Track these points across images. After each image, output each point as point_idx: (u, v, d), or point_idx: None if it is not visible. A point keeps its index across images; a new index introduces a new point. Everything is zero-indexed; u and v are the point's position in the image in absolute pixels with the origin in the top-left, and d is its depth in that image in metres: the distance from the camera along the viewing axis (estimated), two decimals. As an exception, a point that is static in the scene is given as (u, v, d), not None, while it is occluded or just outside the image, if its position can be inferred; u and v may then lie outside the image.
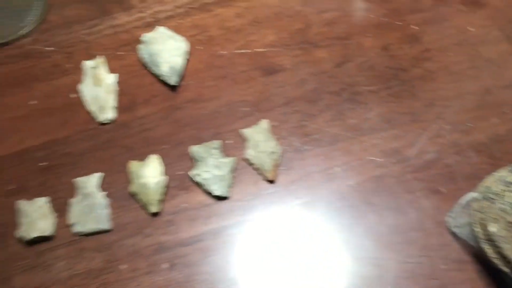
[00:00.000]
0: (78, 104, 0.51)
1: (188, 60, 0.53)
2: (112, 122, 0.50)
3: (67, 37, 0.56)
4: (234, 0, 0.58)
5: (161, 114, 0.50)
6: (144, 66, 0.53)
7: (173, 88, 0.51)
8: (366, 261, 0.42)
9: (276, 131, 0.48)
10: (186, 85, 0.52)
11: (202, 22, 0.56)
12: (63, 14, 0.58)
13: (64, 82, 0.52)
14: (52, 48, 0.55)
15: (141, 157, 0.47)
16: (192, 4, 0.58)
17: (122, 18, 0.57)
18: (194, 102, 0.51)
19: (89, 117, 0.50)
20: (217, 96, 0.51)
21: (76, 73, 0.53)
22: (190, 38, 0.55)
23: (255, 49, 0.54)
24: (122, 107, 0.51)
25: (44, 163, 0.47)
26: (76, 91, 0.51)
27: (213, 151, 0.47)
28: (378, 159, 0.47)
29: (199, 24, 0.56)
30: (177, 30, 0.55)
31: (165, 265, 0.43)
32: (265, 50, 0.54)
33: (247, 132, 0.48)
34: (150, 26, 0.56)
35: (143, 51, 0.53)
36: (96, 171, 0.47)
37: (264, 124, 0.48)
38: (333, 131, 0.48)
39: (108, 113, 0.49)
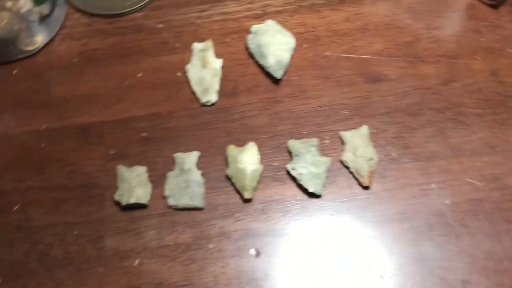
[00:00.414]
0: (183, 83, 0.52)
1: (292, 56, 0.54)
2: (214, 105, 0.51)
3: (177, 17, 0.58)
4: (344, 4, 0.58)
5: (261, 104, 0.51)
6: (250, 55, 0.54)
7: (276, 81, 0.52)
8: (455, 283, 0.41)
9: (374, 138, 0.48)
10: (289, 80, 0.52)
11: (310, 22, 0.57)
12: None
13: (171, 60, 0.54)
14: (163, 25, 0.57)
15: (239, 142, 0.48)
16: (302, 2, 0.58)
17: (232, 7, 0.58)
18: (295, 98, 0.51)
19: (192, 97, 0.51)
20: (319, 95, 0.51)
21: (184, 52, 0.54)
22: (297, 35, 0.55)
23: (360, 55, 0.54)
24: (224, 92, 0.52)
25: (145, 134, 0.49)
26: (182, 70, 0.53)
27: (312, 148, 0.47)
28: (477, 183, 0.46)
29: (307, 23, 0.57)
30: (285, 25, 0.56)
31: (252, 251, 0.43)
32: (370, 57, 0.54)
33: (347, 135, 0.48)
34: (258, 18, 0.57)
35: (251, 41, 0.54)
36: (195, 150, 0.48)
37: (365, 129, 0.48)
38: (433, 147, 0.48)
39: (211, 96, 0.51)
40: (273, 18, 0.57)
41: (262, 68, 0.53)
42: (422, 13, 0.57)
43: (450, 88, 0.51)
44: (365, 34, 0.56)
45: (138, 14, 0.58)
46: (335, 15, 0.57)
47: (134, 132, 0.49)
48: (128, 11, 0.58)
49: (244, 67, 0.53)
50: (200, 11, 0.58)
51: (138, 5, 0.58)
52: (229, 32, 0.56)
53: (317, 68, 0.53)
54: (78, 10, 0.58)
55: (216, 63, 0.53)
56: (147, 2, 0.58)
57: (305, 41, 0.55)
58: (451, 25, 0.56)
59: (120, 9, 0.58)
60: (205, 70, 0.52)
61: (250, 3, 0.58)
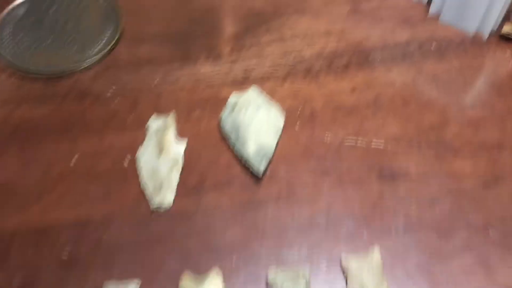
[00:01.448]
0: (130, 176, 0.39)
1: (280, 140, 0.40)
2: (168, 209, 0.37)
3: (134, 80, 0.44)
4: (349, 70, 0.45)
5: (234, 210, 0.37)
6: (224, 137, 0.40)
7: (256, 176, 0.38)
8: None
9: (389, 269, 0.34)
10: (274, 176, 0.39)
11: (305, 92, 0.44)
12: (135, 51, 0.46)
13: (119, 140, 0.40)
14: (114, 91, 0.44)
15: (199, 268, 0.34)
16: (297, 66, 0.45)
17: (207, 67, 0.45)
18: (281, 202, 0.37)
19: (140, 196, 0.38)
20: (314, 199, 0.38)
21: (137, 130, 0.41)
22: (287, 110, 0.42)
23: (371, 140, 0.40)
24: (185, 189, 0.38)
25: (68, 250, 0.35)
26: (132, 157, 0.39)
27: (301, 281, 0.33)
28: None
29: (301, 93, 0.43)
30: (273, 95, 0.43)
31: None
32: (384, 144, 0.40)
33: (351, 263, 0.34)
34: (239, 84, 0.44)
35: (227, 118, 0.41)
36: (134, 277, 0.34)
37: (376, 255, 0.34)
38: (473, 284, 0.34)
39: (165, 196, 0.37)
40: (258, 85, 0.44)
41: (238, 157, 0.39)
42: (451, 85, 0.44)
43: (495, 195, 0.38)
44: (377, 111, 0.42)
45: (85, 76, 0.45)
46: (338, 84, 0.44)
47: (54, 249, 0.35)
48: (70, 71, 0.44)
49: (214, 153, 0.40)
50: (164, 74, 0.45)
51: (87, 62, 0.45)
52: (200, 102, 0.43)
53: (312, 158, 0.40)
54: (7, 65, 0.45)
55: (178, 148, 0.39)
56: (98, 58, 0.45)
57: (297, 119, 0.42)
58: (491, 103, 0.43)
59: (60, 69, 0.44)
60: (161, 159, 0.38)
61: (231, 62, 0.45)
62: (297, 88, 0.44)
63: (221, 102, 0.43)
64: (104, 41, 0.46)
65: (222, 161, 0.39)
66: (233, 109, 0.41)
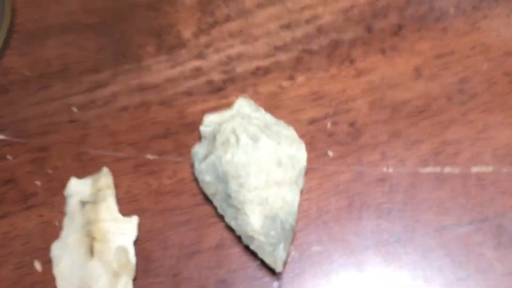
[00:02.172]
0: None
1: (303, 185, 0.23)
2: None
3: (36, 111, 0.26)
4: (407, 35, 0.26)
5: None
6: (206, 196, 0.23)
7: (270, 271, 0.21)
8: None
9: None
10: (302, 260, 0.21)
11: (336, 88, 0.25)
12: (34, 57, 0.27)
13: (21, 226, 0.22)
14: (1, 130, 0.25)
15: None
16: (313, 41, 0.27)
17: (157, 70, 0.27)
18: (329, 314, 0.20)
19: None
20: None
21: (46, 204, 0.23)
22: (308, 129, 0.24)
23: (469, 167, 0.23)
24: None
25: None
26: (43, 257, 0.21)
27: None
28: None
29: (329, 92, 0.25)
30: (276, 106, 0.25)
31: None
32: (493, 171, 0.23)
33: None
34: (215, 92, 0.26)
35: (204, 159, 0.22)
36: None
37: None
38: None
39: None
40: (249, 90, 0.25)
41: (236, 233, 0.21)
42: None
43: None
44: (470, 109, 0.24)
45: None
46: (391, 62, 0.26)
47: None
48: None
49: (192, 236, 0.22)
50: (87, 88, 0.26)
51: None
52: (151, 136, 0.25)
53: (369, 209, 0.22)
54: None
55: (122, 239, 0.21)
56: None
57: (329, 140, 0.24)
58: None
59: None
60: (93, 262, 0.21)
61: (199, 54, 0.27)
62: (319, 82, 0.26)
63: (190, 128, 0.25)
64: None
65: (207, 246, 0.22)
66: (212, 142, 0.23)
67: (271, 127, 0.23)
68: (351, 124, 0.24)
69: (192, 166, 0.23)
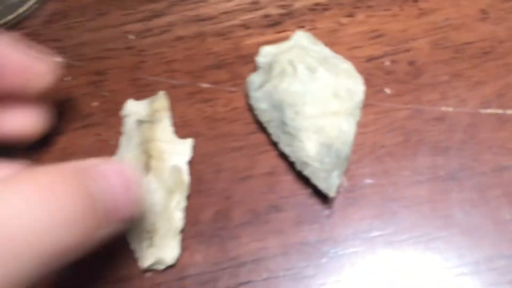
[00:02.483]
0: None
1: (359, 118, 0.22)
2: (171, 267, 0.20)
3: (93, 39, 0.26)
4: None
5: (293, 272, 0.20)
6: (260, 123, 0.23)
7: (324, 198, 0.21)
8: None
9: None
10: (355, 188, 0.21)
11: (396, 26, 0.25)
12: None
13: (78, 143, 0.23)
14: (59, 55, 0.26)
15: None
16: (370, -19, 0.26)
17: (213, 3, 0.26)
18: (379, 241, 0.20)
19: (123, 247, 0.21)
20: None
21: (105, 123, 0.23)
22: (366, 65, 0.24)
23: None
24: (199, 232, 0.21)
25: None
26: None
27: None
28: None
29: (389, 30, 0.25)
30: (335, 41, 0.24)
31: None
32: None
33: None
34: (272, 27, 0.25)
35: (260, 88, 0.22)
36: None
37: None
38: None
39: (164, 250, 0.20)
40: (307, 25, 0.25)
41: (289, 160, 0.21)
42: None
43: None
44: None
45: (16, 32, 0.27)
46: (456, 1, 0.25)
47: None
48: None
49: (245, 160, 0.22)
50: (143, 17, 0.26)
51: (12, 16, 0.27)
52: (207, 65, 0.25)
53: (424, 147, 0.22)
54: None
55: (177, 159, 0.22)
56: (22, 12, 0.27)
57: (387, 78, 0.23)
58: None
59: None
60: (150, 175, 0.21)
61: (254, -10, 0.27)
62: (379, 20, 0.25)
63: (245, 60, 0.25)
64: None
65: (260, 172, 0.22)
66: (268, 71, 0.23)
67: (329, 60, 0.23)
68: (411, 63, 0.24)
69: (246, 95, 0.23)
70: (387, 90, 0.23)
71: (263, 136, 0.23)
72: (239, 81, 0.24)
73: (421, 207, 0.21)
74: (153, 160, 0.21)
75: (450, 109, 0.22)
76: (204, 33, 0.26)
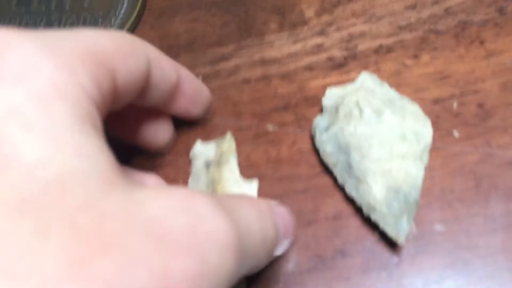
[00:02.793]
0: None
1: (427, 162, 0.22)
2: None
3: (165, 79, 0.27)
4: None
5: (361, 315, 0.19)
6: (326, 166, 0.23)
7: (392, 245, 0.20)
8: None
9: None
10: (424, 236, 0.21)
11: (464, 69, 0.24)
12: (164, 30, 0.29)
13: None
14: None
15: None
16: (440, 21, 0.26)
17: (279, 46, 0.27)
18: (451, 294, 0.19)
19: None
20: None
21: (177, 163, 0.24)
22: (433, 108, 0.23)
23: None
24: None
25: None
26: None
27: None
28: None
29: (455, 72, 0.24)
30: (400, 83, 0.24)
31: None
32: None
33: None
34: (337, 68, 0.26)
35: (325, 131, 0.23)
36: None
37: None
38: None
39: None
40: (371, 66, 0.25)
41: (356, 203, 0.21)
42: None
43: None
44: None
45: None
46: (522, 48, 0.24)
47: None
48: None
49: (310, 203, 0.22)
50: (211, 59, 0.28)
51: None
52: (273, 107, 0.25)
53: (494, 195, 0.21)
54: None
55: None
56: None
57: (455, 121, 0.23)
58: None
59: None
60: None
61: (320, 32, 0.27)
62: (445, 62, 0.25)
63: (311, 102, 0.25)
64: (118, 20, 0.30)
65: (325, 215, 0.22)
66: (334, 114, 0.23)
67: (395, 102, 0.23)
68: (480, 105, 0.23)
69: (312, 137, 0.24)
70: (456, 133, 0.23)
71: (328, 179, 0.23)
72: (304, 123, 0.24)
73: (495, 258, 0.20)
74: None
75: (524, 153, 0.22)
76: (269, 76, 0.26)
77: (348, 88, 0.24)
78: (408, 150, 0.21)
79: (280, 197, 0.23)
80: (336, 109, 0.23)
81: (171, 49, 0.29)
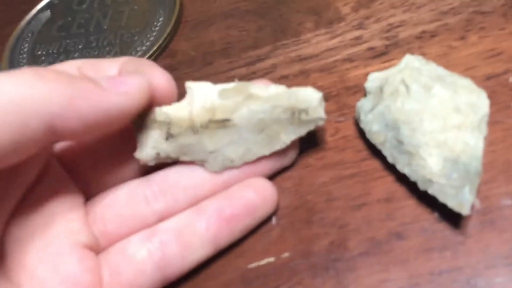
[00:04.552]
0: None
1: (486, 133, 0.20)
2: None
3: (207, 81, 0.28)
4: None
5: (425, 300, 0.17)
6: (372, 149, 0.22)
7: (455, 223, 0.19)
8: None
9: None
10: (490, 207, 0.19)
11: (511, 45, 0.23)
12: (199, 39, 0.30)
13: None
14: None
15: None
16: (485, 2, 0.25)
17: (317, 43, 0.27)
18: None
19: None
20: None
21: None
22: (487, 81, 0.22)
23: None
24: (311, 262, 0.19)
25: None
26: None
27: None
28: None
29: (507, 49, 0.23)
30: (449, 62, 0.23)
31: None
32: None
33: None
34: (378, 57, 0.25)
35: (370, 111, 0.22)
36: None
37: None
38: None
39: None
40: (415, 52, 0.25)
41: (410, 181, 0.20)
42: None
43: None
44: None
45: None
46: None
47: None
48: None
49: (357, 185, 0.21)
50: (250, 60, 0.28)
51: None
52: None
53: None
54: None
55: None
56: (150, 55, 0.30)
57: (509, 94, 0.22)
58: None
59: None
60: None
61: (359, 25, 0.27)
62: (495, 40, 0.24)
63: (353, 91, 0.24)
64: (154, 34, 0.31)
65: (376, 198, 0.20)
66: (378, 94, 0.22)
67: (445, 78, 0.22)
68: (539, 77, 0.22)
69: (356, 121, 0.23)
70: (515, 106, 0.21)
71: (376, 162, 0.22)
72: (347, 111, 0.24)
73: None
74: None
75: None
76: (308, 70, 0.26)
77: (392, 70, 0.23)
78: (464, 121, 0.20)
79: (326, 185, 0.21)
80: (381, 89, 0.22)
81: (206, 56, 0.29)
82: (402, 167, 0.20)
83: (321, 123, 0.20)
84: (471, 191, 0.18)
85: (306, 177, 0.22)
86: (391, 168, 0.21)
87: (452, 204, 0.18)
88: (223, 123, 0.20)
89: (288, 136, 0.21)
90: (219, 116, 0.20)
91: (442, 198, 0.18)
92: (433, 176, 0.19)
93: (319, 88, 0.25)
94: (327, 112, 0.24)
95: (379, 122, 0.21)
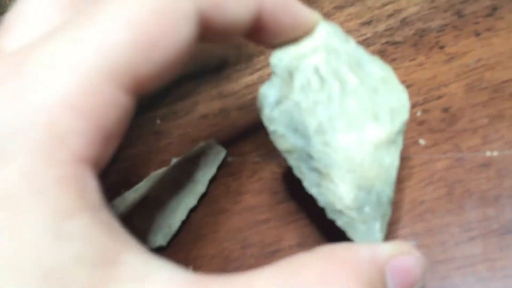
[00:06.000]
0: None
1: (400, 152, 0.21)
2: None
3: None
4: None
5: None
6: (285, 193, 0.22)
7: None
8: None
9: None
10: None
11: (420, 76, 0.24)
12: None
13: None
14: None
15: None
16: (393, 36, 0.26)
17: (238, 79, 0.27)
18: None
19: None
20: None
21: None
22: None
23: None
24: None
25: None
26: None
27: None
28: None
29: (417, 80, 0.24)
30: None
31: None
32: None
33: None
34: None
35: (274, 109, 0.19)
36: None
37: None
38: None
39: None
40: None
41: (319, 204, 0.20)
42: None
43: None
44: None
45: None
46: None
47: None
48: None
49: (271, 230, 0.21)
50: (168, 102, 0.28)
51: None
52: (230, 140, 0.25)
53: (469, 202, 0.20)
54: None
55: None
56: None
57: (417, 129, 0.22)
58: None
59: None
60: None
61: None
62: (405, 72, 0.24)
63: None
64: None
65: (288, 244, 0.21)
66: (287, 81, 0.20)
67: (365, 66, 0.20)
68: (445, 110, 0.22)
69: (259, 111, 0.20)
70: (422, 141, 0.22)
71: (292, 204, 0.22)
72: (263, 151, 0.24)
73: (475, 268, 0.18)
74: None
75: (495, 153, 0.21)
76: (227, 109, 0.26)
77: (306, 44, 0.19)
78: (381, 133, 0.18)
79: (241, 231, 0.22)
80: (290, 74, 0.19)
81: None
82: (310, 186, 0.19)
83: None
84: (381, 228, 0.18)
85: (223, 223, 0.22)
86: (305, 209, 0.21)
87: (360, 241, 0.18)
88: None
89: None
90: None
91: (351, 233, 0.18)
92: (344, 208, 0.18)
93: (237, 127, 0.25)
94: (245, 152, 0.24)
95: (286, 125, 0.19)
